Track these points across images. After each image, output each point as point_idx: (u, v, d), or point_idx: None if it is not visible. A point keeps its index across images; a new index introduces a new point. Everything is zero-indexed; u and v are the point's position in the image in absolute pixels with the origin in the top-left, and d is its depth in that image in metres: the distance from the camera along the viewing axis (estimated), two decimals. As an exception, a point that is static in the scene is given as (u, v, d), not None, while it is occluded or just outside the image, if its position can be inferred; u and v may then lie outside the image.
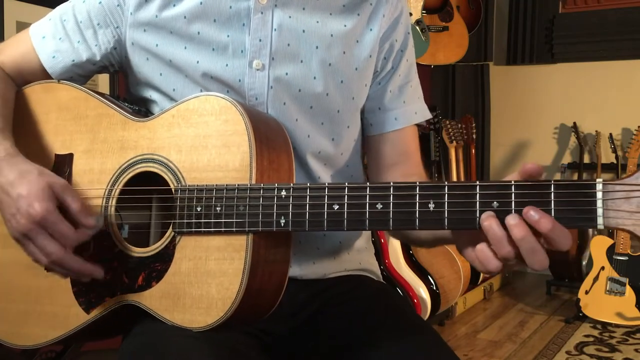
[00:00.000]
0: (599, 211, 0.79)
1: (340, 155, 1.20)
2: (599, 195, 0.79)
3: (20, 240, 0.99)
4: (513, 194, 0.82)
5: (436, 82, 5.00)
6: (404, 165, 1.22)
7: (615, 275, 3.59)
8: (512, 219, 0.81)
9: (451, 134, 4.31)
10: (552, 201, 0.81)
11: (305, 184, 0.93)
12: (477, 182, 0.84)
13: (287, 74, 1.12)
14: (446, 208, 0.85)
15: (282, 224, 0.93)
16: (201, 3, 1.11)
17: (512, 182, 0.82)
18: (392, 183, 0.88)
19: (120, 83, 2.59)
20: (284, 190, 0.94)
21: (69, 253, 0.98)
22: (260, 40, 1.11)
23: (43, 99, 1.16)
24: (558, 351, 3.22)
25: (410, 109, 1.23)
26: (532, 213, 0.80)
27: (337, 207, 0.90)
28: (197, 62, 1.11)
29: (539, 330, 3.58)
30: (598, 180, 0.79)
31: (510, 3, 4.81)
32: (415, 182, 0.87)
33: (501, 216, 0.82)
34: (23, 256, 1.10)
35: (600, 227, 0.79)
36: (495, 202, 0.83)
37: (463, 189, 0.85)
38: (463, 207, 0.84)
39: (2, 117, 1.10)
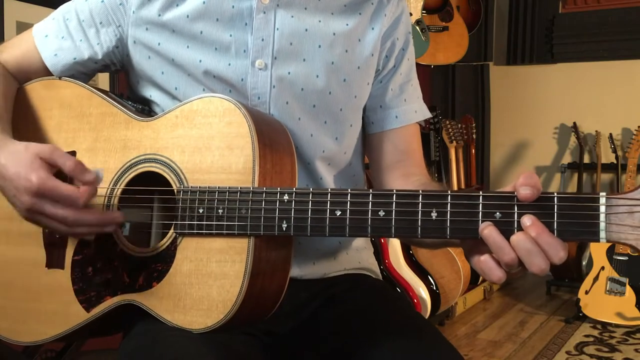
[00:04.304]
0: (602, 225, 0.79)
1: (343, 154, 1.20)
2: (602, 209, 0.79)
3: (31, 217, 0.99)
4: (516, 206, 0.82)
5: (436, 82, 4.99)
6: (406, 164, 1.22)
7: (615, 275, 3.59)
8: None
9: (451, 134, 4.31)
10: (555, 213, 0.81)
11: (308, 188, 0.93)
12: (480, 192, 0.84)
13: (289, 73, 1.12)
14: (449, 217, 0.85)
15: (284, 229, 0.93)
16: (204, 2, 1.11)
17: (515, 194, 0.82)
18: (394, 190, 0.88)
19: (121, 81, 2.59)
20: (286, 195, 0.93)
21: (83, 210, 0.97)
22: (262, 39, 1.11)
23: (46, 95, 1.16)
24: (558, 351, 3.21)
25: (410, 107, 1.23)
26: (525, 219, 0.81)
27: (340, 213, 0.90)
28: (200, 61, 1.11)
29: (539, 330, 3.58)
30: (602, 194, 0.79)
31: (510, 3, 4.81)
32: (419, 190, 0.87)
33: (503, 227, 0.82)
34: (24, 253, 1.11)
35: (603, 241, 0.79)
36: (497, 213, 0.83)
37: (466, 198, 0.85)
38: (465, 216, 0.84)
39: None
